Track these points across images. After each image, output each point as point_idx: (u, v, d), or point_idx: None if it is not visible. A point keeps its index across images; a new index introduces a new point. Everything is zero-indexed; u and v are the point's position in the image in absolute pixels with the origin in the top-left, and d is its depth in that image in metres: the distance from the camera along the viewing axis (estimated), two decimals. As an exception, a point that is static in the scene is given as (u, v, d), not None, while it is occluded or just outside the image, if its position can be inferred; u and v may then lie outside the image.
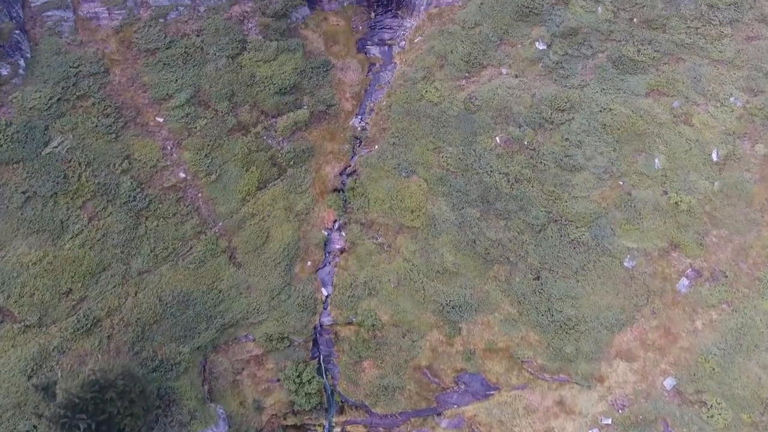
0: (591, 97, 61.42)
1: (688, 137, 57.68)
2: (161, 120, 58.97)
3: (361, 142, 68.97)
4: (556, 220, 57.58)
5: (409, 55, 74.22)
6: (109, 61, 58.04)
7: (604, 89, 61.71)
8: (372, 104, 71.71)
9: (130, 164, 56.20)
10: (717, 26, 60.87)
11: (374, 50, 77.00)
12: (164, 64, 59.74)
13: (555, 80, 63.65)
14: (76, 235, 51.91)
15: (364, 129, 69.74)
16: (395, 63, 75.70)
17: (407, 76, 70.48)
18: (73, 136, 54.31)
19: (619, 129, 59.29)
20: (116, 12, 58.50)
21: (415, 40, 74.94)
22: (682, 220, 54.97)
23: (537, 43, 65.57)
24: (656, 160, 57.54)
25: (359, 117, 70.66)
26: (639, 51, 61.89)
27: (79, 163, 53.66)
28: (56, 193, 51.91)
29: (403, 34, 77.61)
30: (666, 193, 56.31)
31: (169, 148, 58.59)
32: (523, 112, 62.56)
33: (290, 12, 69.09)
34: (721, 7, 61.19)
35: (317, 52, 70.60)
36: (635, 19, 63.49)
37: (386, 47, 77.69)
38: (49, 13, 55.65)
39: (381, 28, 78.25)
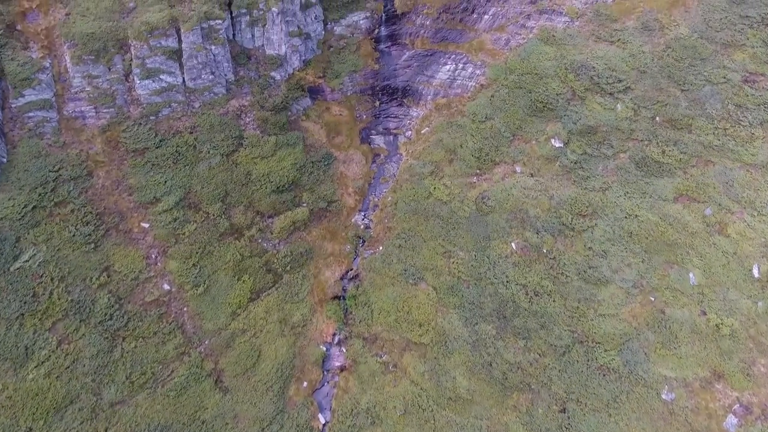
0: (614, 201, 57.52)
1: (724, 249, 53.23)
2: (147, 226, 54.82)
3: (364, 242, 64.66)
4: (581, 342, 52.24)
5: (415, 146, 71.21)
6: (93, 162, 54.56)
7: (627, 193, 57.88)
8: (376, 199, 67.97)
9: (108, 277, 51.56)
10: (747, 127, 57.75)
11: (379, 140, 74.12)
12: (153, 164, 56.27)
13: (574, 181, 59.98)
14: (42, 362, 46.57)
15: (367, 227, 65.64)
16: (401, 154, 72.60)
17: (414, 170, 67.12)
18: (47, 247, 49.98)
19: (647, 238, 54.97)
20: (104, 111, 55.54)
21: (422, 131, 72.17)
22: (725, 345, 49.64)
23: (553, 141, 62.42)
24: (691, 275, 52.84)
25: (362, 213, 66.75)
26: (664, 152, 58.53)
27: (52, 279, 49.07)
28: (23, 315, 47.05)
29: (410, 124, 75.02)
30: (704, 313, 51.26)
31: (153, 257, 54.13)
32: (540, 216, 58.51)
33: (291, 104, 66.53)
34: (749, 107, 58.30)
35: (318, 145, 67.51)
36: (658, 118, 60.54)
37: (391, 137, 74.90)
38: (31, 114, 52.63)
39: (386, 117, 75.74)
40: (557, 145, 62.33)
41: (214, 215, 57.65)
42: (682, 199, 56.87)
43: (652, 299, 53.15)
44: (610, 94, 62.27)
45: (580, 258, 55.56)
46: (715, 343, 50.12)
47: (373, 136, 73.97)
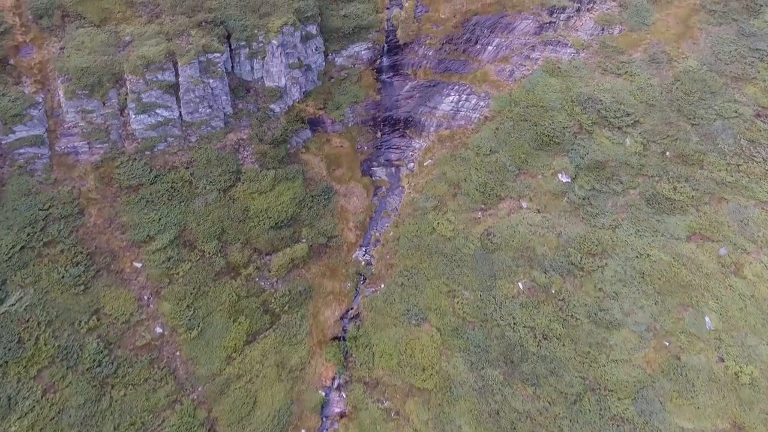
0: (625, 239, 55.73)
1: (741, 292, 51.25)
2: (139, 265, 52.99)
3: (365, 279, 62.69)
4: (593, 389, 49.96)
5: (418, 179, 69.71)
6: (85, 200, 52.97)
7: (638, 231, 56.12)
8: (378, 234, 66.22)
9: (98, 320, 49.55)
10: (761, 163, 56.22)
11: (380, 172, 72.70)
12: (147, 201, 54.65)
13: (582, 218, 58.28)
14: (26, 413, 44.31)
15: (368, 264, 63.72)
16: (403, 187, 71.05)
17: (417, 204, 65.50)
18: (35, 290, 48.10)
19: (659, 279, 53.04)
20: (98, 146, 54.17)
21: (425, 163, 70.74)
22: (745, 395, 47.35)
23: (560, 175, 60.90)
24: (707, 319, 50.77)
25: (363, 249, 64.91)
26: (675, 188, 56.91)
27: (39, 323, 47.08)
28: (7, 362, 44.93)
29: (412, 155, 73.67)
30: (722, 360, 49.07)
31: (145, 298, 52.18)
32: (548, 255, 56.66)
33: (290, 137, 65.18)
34: (762, 143, 56.85)
35: (318, 178, 66.00)
36: (668, 153, 59.11)
37: (393, 168, 73.48)
38: (22, 151, 51.19)
39: (388, 148, 74.42)
40: (564, 180, 60.78)
41: (209, 253, 55.85)
42: (695, 238, 55.06)
43: (667, 344, 51.00)
44: (619, 128, 60.93)
45: (591, 300, 53.55)
46: (735, 392, 47.83)
47: (374, 168, 72.53)
